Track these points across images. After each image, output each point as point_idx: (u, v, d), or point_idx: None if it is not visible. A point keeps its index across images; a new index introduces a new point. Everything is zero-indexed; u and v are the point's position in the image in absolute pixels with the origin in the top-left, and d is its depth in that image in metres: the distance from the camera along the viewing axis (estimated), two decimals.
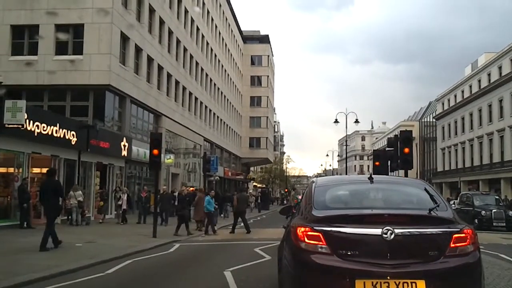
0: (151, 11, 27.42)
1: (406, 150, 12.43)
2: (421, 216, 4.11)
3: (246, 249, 11.34)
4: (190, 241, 13.73)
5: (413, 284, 3.70)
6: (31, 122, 15.27)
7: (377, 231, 3.83)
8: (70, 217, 18.18)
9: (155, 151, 13.62)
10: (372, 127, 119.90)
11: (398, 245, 3.81)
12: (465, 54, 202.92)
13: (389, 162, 16.49)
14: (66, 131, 17.45)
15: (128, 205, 19.54)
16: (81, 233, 14.39)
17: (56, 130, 16.83)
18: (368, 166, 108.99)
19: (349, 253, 3.87)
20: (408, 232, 3.89)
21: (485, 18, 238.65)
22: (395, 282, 3.70)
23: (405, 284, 3.70)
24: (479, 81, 44.98)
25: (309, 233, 4.01)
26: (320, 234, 3.96)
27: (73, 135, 17.93)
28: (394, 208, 4.32)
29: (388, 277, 3.72)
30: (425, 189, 4.61)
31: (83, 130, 18.74)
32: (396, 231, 3.82)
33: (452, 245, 3.89)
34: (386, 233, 3.81)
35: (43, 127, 16.01)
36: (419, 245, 3.90)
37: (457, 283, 3.84)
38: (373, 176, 4.96)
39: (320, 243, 3.94)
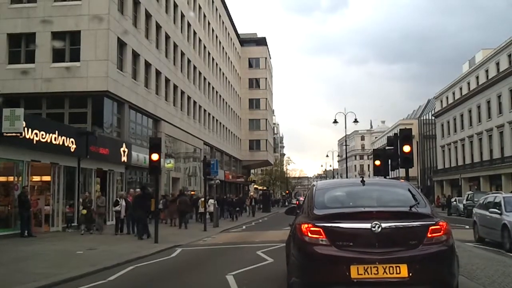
0: (148, 16, 27.40)
1: (406, 148, 12.29)
2: (403, 212, 4.82)
3: (249, 252, 11.28)
4: (192, 246, 13.66)
5: (397, 268, 4.44)
6: (30, 130, 15.22)
7: (367, 225, 4.56)
8: (71, 224, 18.11)
9: (155, 156, 13.56)
10: (371, 127, 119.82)
11: (384, 236, 4.54)
12: (460, 52, 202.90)
13: (389, 161, 16.43)
14: (65, 138, 17.39)
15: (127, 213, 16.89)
16: (82, 240, 14.33)
17: (55, 138, 16.77)
18: (368, 165, 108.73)
19: (344, 244, 4.60)
20: (394, 225, 4.61)
21: (478, 16, 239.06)
22: (382, 267, 4.44)
23: (391, 268, 4.44)
24: (477, 77, 44.95)
25: (312, 228, 4.74)
26: (321, 229, 4.68)
27: (72, 142, 17.87)
28: (381, 206, 5.08)
29: (377, 263, 4.45)
30: (409, 190, 5.36)
31: (82, 137, 18.67)
32: (383, 225, 4.55)
33: (429, 235, 4.61)
34: (374, 227, 4.55)
35: (42, 134, 15.96)
36: (402, 236, 4.63)
37: (434, 266, 4.53)
38: (364, 179, 5.83)
39: (321, 236, 4.67)
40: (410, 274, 4.40)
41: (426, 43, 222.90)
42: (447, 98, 53.89)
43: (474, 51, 56.10)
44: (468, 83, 47.35)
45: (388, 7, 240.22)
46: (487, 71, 42.65)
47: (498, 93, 39.76)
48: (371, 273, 4.42)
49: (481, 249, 10.35)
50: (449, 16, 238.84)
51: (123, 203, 16.74)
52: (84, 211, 17.28)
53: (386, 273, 4.42)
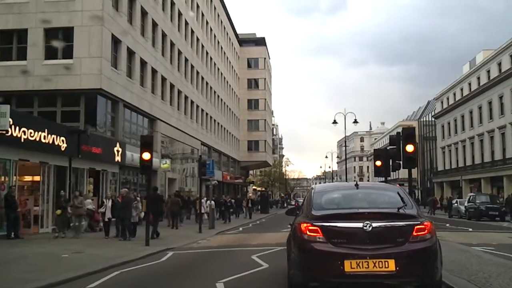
0: (143, 13, 26.84)
1: (410, 148, 11.68)
2: (391, 213, 5.38)
3: (243, 257, 10.63)
4: (185, 249, 13.02)
5: (386, 263, 4.97)
6: (17, 127, 14.62)
7: (359, 225, 5.11)
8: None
9: (146, 155, 12.97)
10: (371, 128, 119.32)
11: (375, 235, 5.08)
12: (460, 53, 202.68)
13: (390, 161, 15.85)
14: (55, 136, 16.78)
15: (113, 214, 15.54)
16: (70, 243, 13.69)
17: (45, 136, 16.16)
18: (368, 167, 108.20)
19: (339, 241, 5.14)
20: (383, 225, 5.16)
21: (477, 18, 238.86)
22: (373, 261, 4.96)
23: (380, 263, 4.96)
24: (478, 78, 44.44)
25: (310, 227, 5.27)
26: (318, 228, 5.22)
27: (62, 140, 17.25)
28: (372, 208, 5.61)
29: (368, 258, 4.98)
30: (398, 193, 5.92)
31: (74, 136, 18.06)
32: (374, 224, 5.10)
33: (414, 233, 5.14)
34: (366, 226, 5.09)
35: (30, 133, 15.35)
36: (390, 234, 5.16)
37: (418, 261, 5.06)
38: (358, 183, 6.38)
39: (318, 235, 5.19)
40: (397, 268, 4.94)
41: (425, 44, 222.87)
42: (447, 99, 53.37)
43: (473, 52, 55.79)
44: (469, 84, 46.84)
45: (387, 9, 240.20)
46: (488, 71, 42.14)
47: (500, 94, 39.25)
48: (363, 267, 4.96)
49: (491, 255, 9.74)
50: (448, 18, 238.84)
51: (109, 204, 15.71)
52: (59, 212, 15.74)
53: (376, 267, 4.95)
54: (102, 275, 8.27)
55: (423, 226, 5.18)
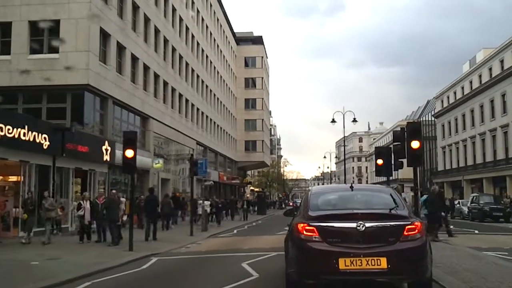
0: (135, 7, 25.84)
1: (415, 144, 10.73)
2: (384, 214, 5.61)
3: (232, 264, 9.61)
4: (171, 254, 12.01)
5: (378, 261, 5.18)
6: None
7: (353, 225, 5.32)
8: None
9: (129, 152, 11.98)
10: (369, 128, 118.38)
11: (368, 234, 5.29)
12: (458, 55, 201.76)
13: (392, 159, 14.88)
14: (36, 134, 15.75)
15: (93, 217, 14.42)
16: (47, 248, 12.66)
17: (24, 133, 15.14)
18: (366, 167, 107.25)
19: (334, 240, 5.34)
20: (375, 225, 5.38)
21: (475, 20, 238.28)
22: (366, 260, 5.18)
23: (373, 261, 5.18)
24: (480, 76, 43.52)
25: (307, 227, 5.49)
26: (314, 228, 5.43)
27: (45, 138, 16.22)
28: (366, 209, 5.85)
29: (361, 256, 5.20)
30: (390, 194, 6.13)
31: (57, 133, 17.02)
32: (367, 224, 5.31)
33: (405, 233, 5.35)
34: (359, 226, 5.30)
35: (8, 129, 14.33)
36: (382, 233, 5.37)
37: (409, 260, 5.25)
38: (353, 185, 6.90)
39: (314, 234, 5.41)
40: (389, 266, 5.15)
41: (424, 45, 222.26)
42: (448, 98, 52.45)
43: (471, 53, 54.94)
44: (470, 82, 45.92)
45: (386, 10, 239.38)
46: (490, 69, 41.22)
47: (502, 92, 38.34)
48: (356, 265, 5.17)
49: (509, 261, 8.75)
50: (447, 19, 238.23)
51: (87, 205, 14.46)
52: (25, 216, 14.17)
53: (369, 265, 5.16)
54: (71, 286, 7.27)
55: (413, 226, 5.39)
